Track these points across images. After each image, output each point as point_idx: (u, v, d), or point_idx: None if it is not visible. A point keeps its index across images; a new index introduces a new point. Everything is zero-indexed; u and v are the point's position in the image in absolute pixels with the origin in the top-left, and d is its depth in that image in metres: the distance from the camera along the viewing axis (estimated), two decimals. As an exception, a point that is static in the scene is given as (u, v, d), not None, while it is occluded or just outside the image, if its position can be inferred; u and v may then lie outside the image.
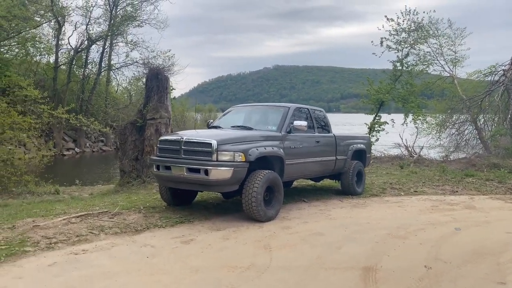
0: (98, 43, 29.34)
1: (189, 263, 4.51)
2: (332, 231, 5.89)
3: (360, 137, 9.60)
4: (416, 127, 19.55)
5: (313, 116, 7.96)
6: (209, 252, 4.91)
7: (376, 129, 19.42)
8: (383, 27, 19.06)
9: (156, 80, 10.88)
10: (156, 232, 5.72)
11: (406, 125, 19.66)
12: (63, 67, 28.98)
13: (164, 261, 4.56)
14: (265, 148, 6.38)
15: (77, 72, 30.02)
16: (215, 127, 7.72)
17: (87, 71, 29.88)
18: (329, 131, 8.35)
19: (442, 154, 19.32)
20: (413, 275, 4.28)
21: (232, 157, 5.97)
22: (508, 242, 5.50)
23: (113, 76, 31.72)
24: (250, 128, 7.18)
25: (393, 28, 18.93)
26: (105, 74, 31.22)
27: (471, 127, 18.94)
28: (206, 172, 5.95)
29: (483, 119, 18.81)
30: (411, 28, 19.32)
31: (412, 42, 19.64)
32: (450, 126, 19.69)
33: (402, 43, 19.44)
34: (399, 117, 19.93)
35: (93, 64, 30.32)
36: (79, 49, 28.53)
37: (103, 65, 30.20)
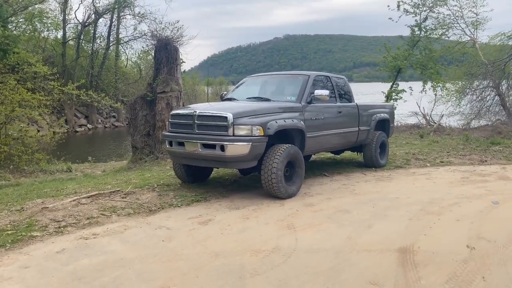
0: (105, 16, 28.75)
1: (209, 247, 4.16)
2: (359, 208, 5.47)
3: (383, 106, 9.05)
4: (435, 94, 18.83)
5: (334, 84, 7.42)
6: (229, 233, 4.55)
7: (393, 97, 18.75)
8: (400, -11, 18.10)
9: (165, 51, 10.38)
10: (172, 212, 5.38)
11: (425, 93, 18.95)
12: (71, 42, 28.53)
13: (181, 245, 4.21)
14: (284, 121, 5.91)
15: (85, 47, 29.55)
16: (230, 99, 7.25)
17: (95, 46, 29.39)
18: (351, 100, 7.82)
19: (462, 121, 18.65)
20: (456, 257, 3.86)
21: (250, 131, 5.53)
22: (554, 217, 5.03)
23: (122, 50, 31.18)
24: (267, 99, 6.69)
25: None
26: (114, 49, 30.68)
27: (493, 93, 18.11)
28: (222, 148, 5.53)
29: (506, 85, 17.94)
30: (431, -11, 18.34)
31: (431, 4, 18.69)
32: (471, 93, 18.85)
33: (420, 6, 18.52)
34: (417, 85, 19.18)
35: (101, 39, 29.83)
36: (87, 23, 27.96)
37: (111, 39, 29.65)
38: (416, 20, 18.36)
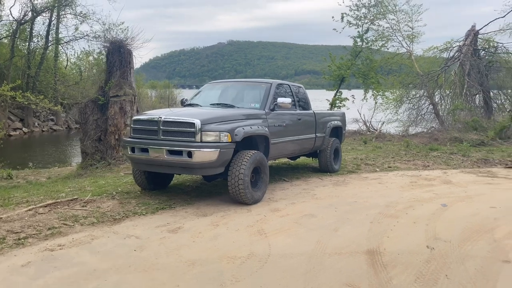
0: (44, 14, 27.19)
1: (183, 255, 4.12)
2: (323, 212, 5.68)
3: (336, 114, 9.44)
4: (375, 102, 19.88)
5: (294, 92, 7.64)
6: (202, 241, 4.54)
7: (337, 105, 19.55)
8: (343, 2, 19.02)
9: (118, 54, 10.12)
10: (137, 220, 5.25)
11: (366, 101, 19.95)
12: (4, 40, 26.68)
13: (155, 254, 4.14)
14: (251, 127, 6.00)
15: (20, 46, 27.76)
16: (192, 105, 7.21)
17: (32, 45, 27.71)
18: (308, 108, 8.09)
19: (400, 128, 19.83)
20: (419, 258, 4.15)
21: (218, 137, 5.55)
22: (496, 217, 5.53)
23: (62, 50, 29.64)
24: (231, 106, 6.75)
25: (353, 3, 18.97)
26: (53, 49, 29.09)
27: (427, 102, 19.45)
28: (190, 154, 5.50)
29: (439, 95, 19.34)
30: (371, 4, 19.42)
31: (371, 17, 19.79)
32: (408, 101, 20.14)
33: (362, 18, 19.55)
34: (358, 93, 20.14)
35: (39, 38, 28.18)
36: (23, 21, 26.29)
37: (50, 38, 28.11)
38: (358, 32, 19.35)
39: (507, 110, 18.08)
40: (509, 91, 18.88)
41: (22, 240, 4.41)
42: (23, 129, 26.41)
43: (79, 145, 11.07)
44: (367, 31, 19.69)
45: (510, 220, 5.48)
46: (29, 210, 5.36)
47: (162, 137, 5.77)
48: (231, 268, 3.84)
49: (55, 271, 3.68)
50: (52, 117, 29.65)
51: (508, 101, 18.80)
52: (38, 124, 28.16)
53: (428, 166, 9.91)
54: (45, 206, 5.56)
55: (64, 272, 3.66)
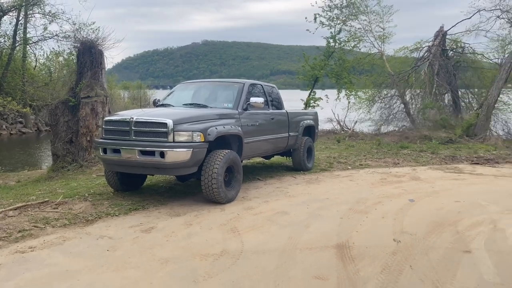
0: (10, 13, 26.41)
1: (157, 254, 4.16)
2: (295, 209, 5.80)
3: (309, 113, 9.60)
4: (348, 102, 20.25)
5: (267, 92, 7.75)
6: (175, 240, 4.58)
7: (311, 104, 19.80)
8: (316, 3, 19.29)
9: (89, 54, 9.99)
10: (110, 221, 5.24)
11: (339, 100, 20.29)
12: (-32, 40, 25.82)
13: (127, 253, 4.16)
14: (224, 127, 6.06)
15: (-16, 47, 26.91)
16: (164, 105, 7.22)
17: (-2, 46, 26.87)
18: (281, 107, 8.21)
19: (372, 127, 20.27)
20: (386, 250, 4.32)
21: (190, 137, 5.59)
22: (460, 211, 5.78)
23: (30, 51, 28.84)
24: (204, 106, 6.79)
25: (325, 4, 19.26)
26: (20, 49, 28.28)
27: (398, 101, 19.93)
28: (162, 155, 5.52)
29: (410, 94, 19.86)
30: (343, 5, 19.76)
31: (344, 18, 20.14)
32: (380, 101, 20.59)
33: (334, 19, 19.87)
34: (332, 93, 20.47)
35: (6, 38, 27.33)
36: (-12, 20, 25.48)
37: (17, 38, 27.32)
38: (331, 32, 19.64)
39: (475, 108, 18.75)
40: (476, 90, 19.55)
41: (-9, 243, 4.35)
42: (-10, 132, 25.59)
43: (49, 147, 10.86)
44: (339, 31, 20.01)
45: (473, 213, 5.73)
46: (-2, 213, 5.26)
47: (134, 137, 5.76)
48: (204, 265, 3.90)
49: (26, 273, 3.66)
50: (20, 119, 28.81)
51: (475, 100, 19.46)
52: (6, 127, 27.31)
53: (398, 163, 10.20)
54: (15, 209, 5.48)
55: (35, 274, 3.65)
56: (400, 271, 3.83)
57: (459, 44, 19.33)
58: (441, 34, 18.65)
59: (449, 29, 18.59)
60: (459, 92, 19.25)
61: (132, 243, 4.45)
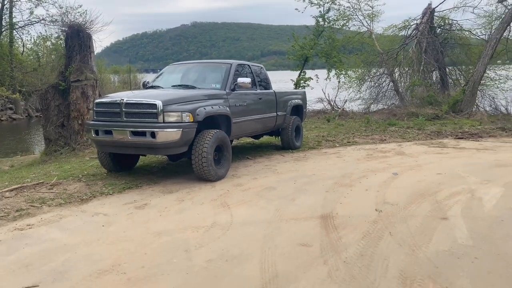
0: (-5, -3, 26.00)
1: (150, 227, 4.38)
2: (282, 185, 6.03)
3: (297, 93, 9.77)
4: (338, 81, 20.38)
5: (254, 72, 7.89)
6: (168, 215, 4.80)
7: (301, 85, 19.89)
8: (304, -20, 19.18)
9: (78, 38, 10.03)
10: (104, 200, 5.44)
11: (329, 80, 20.39)
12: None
13: (122, 228, 4.38)
14: (212, 107, 6.23)
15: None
16: (153, 87, 7.35)
17: (-17, 31, 26.51)
18: (268, 87, 8.37)
19: (362, 106, 20.48)
20: (368, 219, 4.57)
21: (180, 117, 5.76)
22: (440, 182, 6.05)
23: (17, 36, 28.49)
24: (193, 87, 6.94)
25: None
26: (7, 34, 27.93)
27: (388, 79, 20.12)
28: (153, 135, 5.70)
29: (398, 72, 20.04)
30: (332, -18, 19.67)
31: (332, -4, 20.08)
32: (369, 80, 20.75)
33: (323, -3, 19.80)
34: (322, 73, 20.57)
35: (-9, 23, 26.95)
36: (-28, 5, 25.07)
37: (3, 23, 26.95)
38: (320, 11, 19.61)
39: (462, 85, 19.00)
40: (464, 67, 19.76)
41: (-9, 222, 4.53)
42: (-20, 118, 25.47)
43: (41, 132, 10.98)
44: (328, 10, 19.94)
45: (453, 184, 6.00)
46: (-5, 194, 5.43)
47: (125, 118, 5.92)
48: (195, 236, 4.13)
49: (26, 247, 3.86)
50: (10, 105, 28.65)
51: (462, 76, 19.69)
52: (-4, 113, 27.20)
53: (385, 140, 10.46)
54: (11, 190, 5.65)
55: (35, 248, 3.85)
56: (380, 237, 4.09)
57: (446, 21, 19.44)
58: (429, 11, 18.74)
59: (437, 6, 18.69)
60: (447, 69, 19.48)
61: (127, 219, 4.67)
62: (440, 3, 18.63)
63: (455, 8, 18.77)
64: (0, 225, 4.48)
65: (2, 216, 4.70)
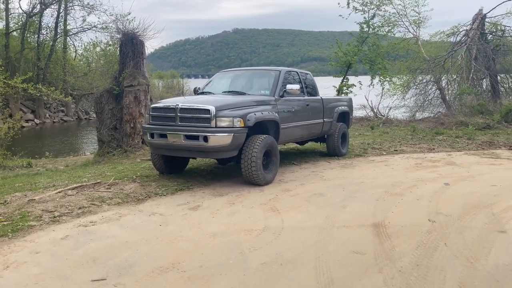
0: (52, 6, 27.57)
1: (204, 228, 4.53)
2: (331, 192, 6.05)
3: (343, 100, 9.74)
4: (382, 88, 20.04)
5: (302, 79, 7.97)
6: (220, 217, 4.94)
7: (344, 91, 19.73)
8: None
9: (131, 45, 10.46)
10: (159, 200, 5.66)
11: (373, 87, 20.11)
12: (14, 33, 27.12)
13: (179, 228, 4.55)
14: (262, 113, 6.36)
15: (29, 39, 28.21)
16: (204, 93, 7.57)
17: (41, 37, 28.12)
18: (316, 94, 8.41)
19: (407, 114, 20.04)
20: (421, 229, 4.51)
21: (231, 122, 5.92)
22: (496, 194, 5.86)
23: (70, 42, 30.03)
24: (243, 93, 7.10)
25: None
26: (61, 40, 29.50)
27: (434, 87, 19.58)
28: (205, 139, 5.88)
29: (445, 80, 19.47)
30: (377, -11, 19.45)
31: (378, 3, 19.82)
32: (414, 87, 20.29)
33: (368, 4, 19.58)
34: (365, 79, 20.31)
35: (48, 30, 28.58)
36: (32, 14, 26.68)
37: (58, 30, 28.49)
38: (364, 18, 19.41)
39: (515, 93, 18.20)
40: (516, 74, 18.93)
41: (57, 217, 4.84)
42: (35, 120, 26.96)
43: (90, 134, 11.51)
44: (373, 16, 19.73)
45: (509, 197, 5.79)
46: (59, 192, 5.79)
47: (179, 123, 6.15)
48: (248, 239, 4.23)
49: (91, 243, 4.10)
50: (62, 108, 30.17)
51: (515, 84, 18.87)
52: (49, 115, 28.69)
53: (433, 149, 10.20)
54: (73, 189, 5.99)
55: (99, 243, 4.08)
56: (435, 248, 4.03)
57: (499, 27, 18.72)
58: (480, 17, 18.12)
59: (488, 12, 18.05)
60: (498, 77, 18.72)
61: (182, 219, 4.84)
62: (492, 9, 17.93)
63: (508, 14, 18.07)
64: (66, 221, 4.77)
65: (67, 213, 5.00)
